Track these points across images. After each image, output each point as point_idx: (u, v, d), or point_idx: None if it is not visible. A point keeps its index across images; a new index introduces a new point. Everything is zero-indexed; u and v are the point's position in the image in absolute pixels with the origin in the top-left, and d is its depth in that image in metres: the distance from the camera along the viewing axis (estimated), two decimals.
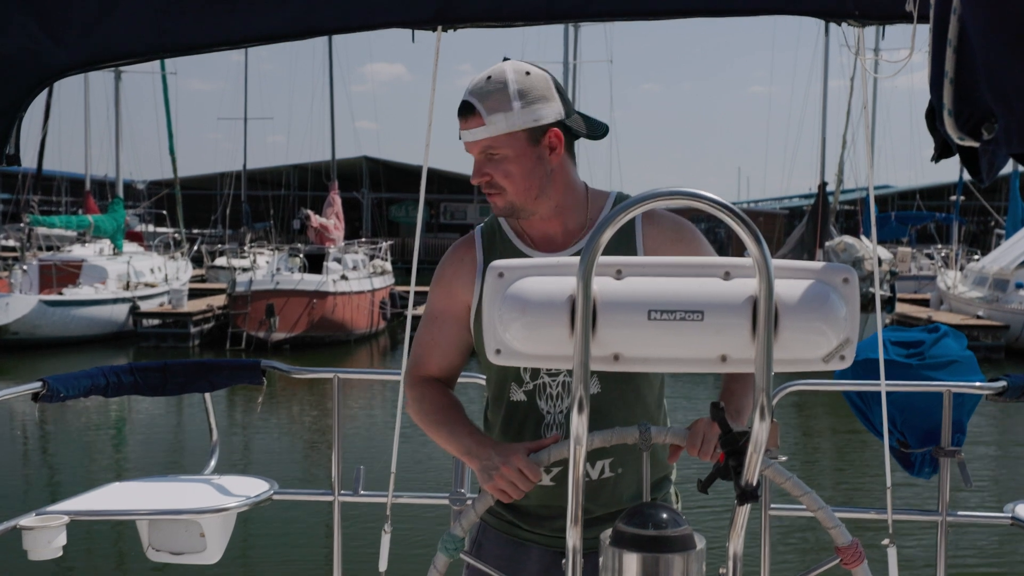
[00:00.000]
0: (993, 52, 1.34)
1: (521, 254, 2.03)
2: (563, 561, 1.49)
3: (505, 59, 1.99)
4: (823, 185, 24.80)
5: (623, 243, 2.00)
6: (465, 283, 2.06)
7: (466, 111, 1.94)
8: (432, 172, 45.30)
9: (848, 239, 20.69)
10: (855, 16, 2.39)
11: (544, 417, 2.01)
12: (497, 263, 1.45)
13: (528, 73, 1.95)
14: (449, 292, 2.08)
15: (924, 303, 26.53)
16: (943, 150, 1.65)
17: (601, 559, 1.50)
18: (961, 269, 27.14)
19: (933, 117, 1.56)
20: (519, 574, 2.06)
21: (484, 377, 2.21)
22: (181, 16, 2.34)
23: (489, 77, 1.94)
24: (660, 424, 2.08)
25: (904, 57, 2.07)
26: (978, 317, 22.25)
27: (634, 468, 2.00)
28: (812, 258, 21.46)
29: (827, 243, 21.27)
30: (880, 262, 19.54)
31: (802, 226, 24.78)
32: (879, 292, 2.70)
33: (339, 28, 2.47)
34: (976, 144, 1.46)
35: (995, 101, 1.36)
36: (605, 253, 1.91)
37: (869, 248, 19.43)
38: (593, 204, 2.07)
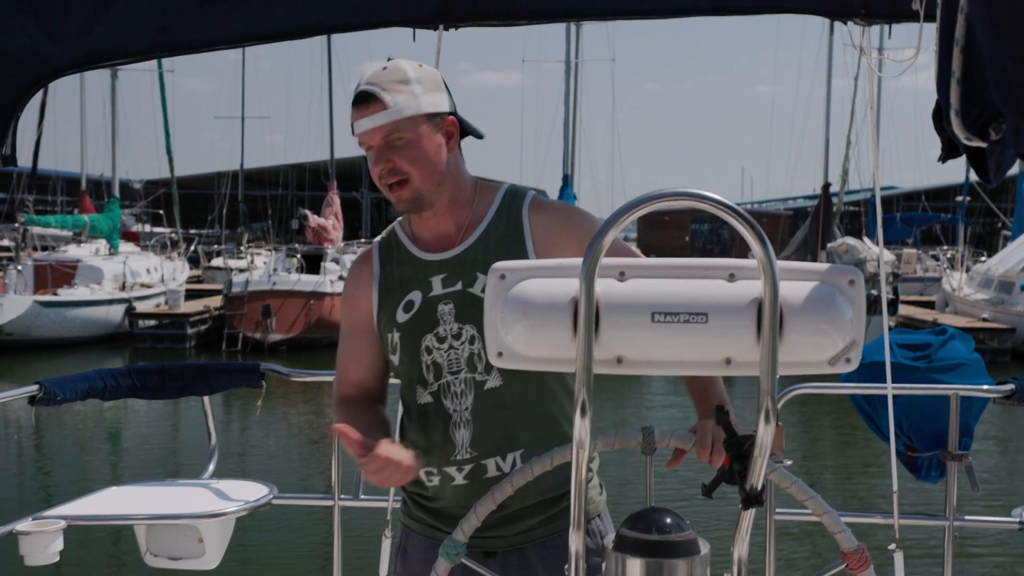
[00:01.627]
0: (1001, 51, 1.33)
1: (414, 258, 2.02)
2: (565, 567, 1.47)
3: (389, 59, 1.97)
4: (826, 186, 24.75)
5: (511, 234, 1.98)
6: (364, 293, 2.06)
7: (366, 99, 1.89)
8: None
9: (850, 240, 20.68)
10: (861, 15, 2.38)
11: (451, 416, 1.98)
12: (498, 264, 1.43)
13: (421, 66, 1.96)
14: (353, 305, 2.09)
15: (929, 305, 26.40)
16: (950, 150, 1.65)
17: (604, 564, 1.48)
18: (967, 271, 26.95)
19: (940, 117, 1.57)
20: None
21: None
22: (179, 15, 2.33)
23: (384, 68, 1.92)
24: (559, 417, 2.04)
25: (910, 56, 2.06)
26: (984, 320, 22.13)
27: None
28: (815, 260, 21.45)
29: (829, 244, 21.27)
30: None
31: (805, 227, 24.71)
32: (885, 294, 2.68)
33: (339, 27, 2.46)
34: (983, 144, 1.47)
35: (1003, 101, 1.36)
36: (486, 245, 1.90)
37: (872, 250, 19.46)
38: (482, 198, 2.04)
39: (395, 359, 2.04)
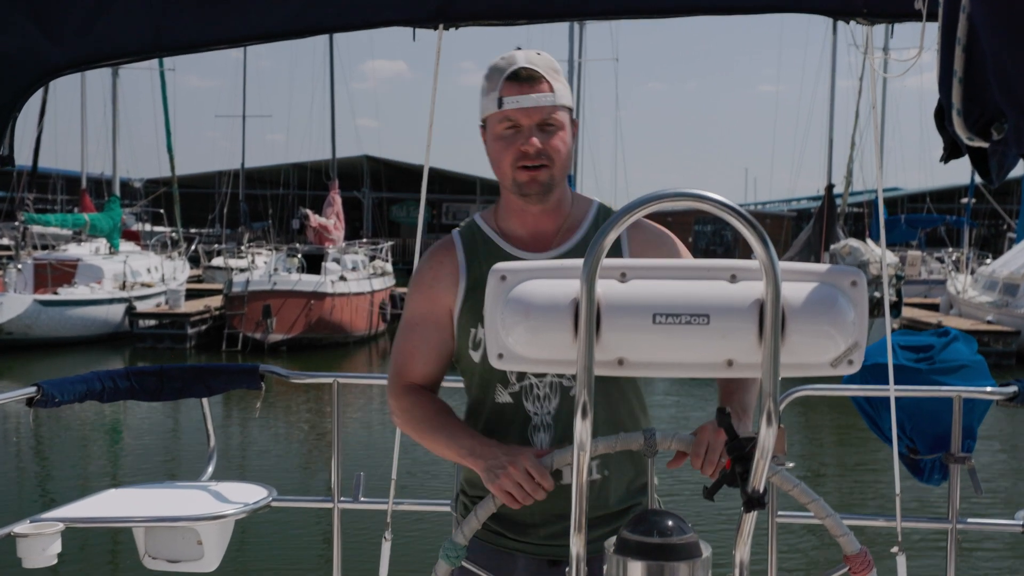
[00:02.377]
0: (1003, 51, 1.34)
1: (506, 254, 2.02)
2: (567, 569, 1.48)
3: (518, 48, 2.00)
4: (829, 187, 24.62)
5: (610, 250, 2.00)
6: (447, 286, 2.04)
7: (531, 77, 1.93)
8: (434, 171, 45.31)
9: (853, 242, 20.62)
10: (863, 14, 2.37)
11: (531, 419, 1.99)
12: (499, 266, 1.44)
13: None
14: (429, 297, 2.06)
15: (933, 308, 26.23)
16: (952, 151, 1.65)
17: (605, 567, 1.48)
18: (972, 273, 26.77)
19: (942, 117, 1.57)
20: None
21: (461, 380, 2.19)
22: (179, 14, 2.32)
23: (539, 54, 1.97)
24: (643, 424, 2.07)
25: (913, 56, 2.05)
26: (988, 322, 21.98)
27: (620, 470, 2.02)
28: (818, 261, 21.39)
29: (832, 246, 21.21)
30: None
31: (808, 229, 24.58)
32: (888, 296, 2.67)
33: (339, 26, 2.45)
34: (985, 144, 1.48)
35: (1005, 101, 1.36)
36: (582, 252, 1.88)
37: (875, 251, 19.43)
38: (577, 205, 2.09)
39: (475, 355, 2.02)
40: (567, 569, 1.47)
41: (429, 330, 2.05)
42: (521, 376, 1.99)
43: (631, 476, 2.06)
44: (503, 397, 2.00)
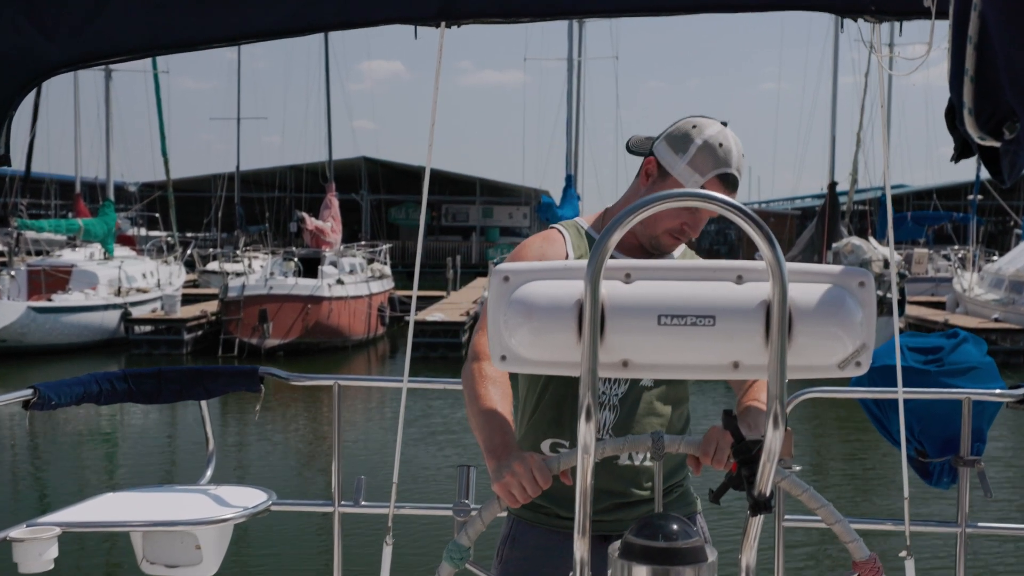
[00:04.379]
0: (1015, 49, 1.34)
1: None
2: (570, 573, 1.45)
3: (725, 123, 2.11)
4: (832, 185, 24.61)
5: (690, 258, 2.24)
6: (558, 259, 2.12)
7: (735, 186, 2.06)
8: (434, 173, 45.02)
9: (856, 240, 20.64)
10: (871, 11, 2.35)
11: (599, 396, 2.05)
12: (502, 266, 1.44)
13: None
14: None
15: (940, 306, 26.20)
16: (963, 150, 1.65)
17: (609, 572, 1.47)
18: (979, 270, 26.73)
19: (953, 115, 1.58)
20: (563, 562, 2.02)
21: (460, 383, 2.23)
22: (176, 12, 2.30)
23: (743, 155, 2.10)
24: (685, 423, 2.16)
25: (922, 54, 2.04)
26: (995, 320, 21.95)
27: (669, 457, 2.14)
28: (820, 260, 21.40)
29: (834, 244, 21.23)
30: (887, 264, 19.50)
31: (811, 227, 24.54)
32: (895, 296, 2.66)
33: (340, 24, 2.43)
34: (997, 144, 1.48)
35: (1017, 99, 1.37)
36: None
37: (877, 250, 19.46)
38: None
39: None
40: (571, 573, 1.44)
41: None
42: None
43: (679, 466, 2.20)
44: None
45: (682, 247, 2.23)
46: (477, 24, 2.49)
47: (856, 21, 2.40)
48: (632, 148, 2.20)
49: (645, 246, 2.15)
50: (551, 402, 2.13)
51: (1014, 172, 1.57)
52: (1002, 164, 1.55)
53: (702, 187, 2.02)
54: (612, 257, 1.98)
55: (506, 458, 1.82)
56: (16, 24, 2.25)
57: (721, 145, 2.04)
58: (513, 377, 2.06)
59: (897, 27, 2.44)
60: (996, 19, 1.37)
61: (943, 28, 1.55)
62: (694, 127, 2.07)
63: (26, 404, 2.69)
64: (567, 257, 2.14)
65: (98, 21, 2.29)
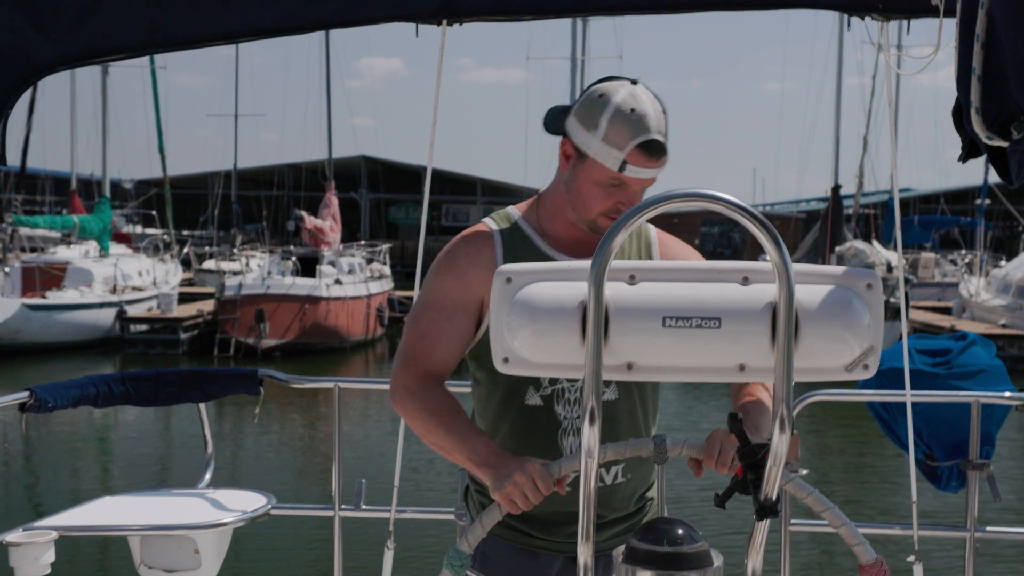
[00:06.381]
0: (1022, 47, 1.31)
1: (544, 255, 1.99)
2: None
3: (634, 82, 1.93)
4: (836, 188, 24.52)
5: (642, 247, 2.06)
6: (482, 275, 1.95)
7: (661, 151, 1.89)
8: (434, 172, 45.07)
9: (859, 244, 20.65)
10: (878, 10, 2.34)
11: (561, 423, 1.97)
12: (505, 267, 1.42)
13: None
14: (464, 283, 1.98)
15: (946, 311, 26.01)
16: (970, 150, 1.66)
17: None
18: (986, 276, 26.50)
19: (960, 115, 1.58)
20: None
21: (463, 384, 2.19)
22: (174, 9, 2.29)
23: (664, 112, 1.91)
24: (652, 431, 2.08)
25: (929, 53, 2.02)
26: (1002, 326, 21.81)
27: (638, 472, 2.05)
28: (824, 263, 21.42)
29: (837, 248, 21.22)
30: (890, 268, 19.54)
31: (816, 230, 24.48)
32: (903, 300, 2.64)
33: (340, 22, 2.42)
34: (1005, 144, 1.49)
35: None
36: (620, 255, 1.89)
37: (880, 253, 19.49)
38: None
39: None
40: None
41: (459, 315, 1.97)
42: (555, 379, 1.96)
43: (649, 479, 2.10)
44: (533, 400, 1.97)
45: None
46: (478, 22, 2.47)
47: (863, 19, 2.39)
48: (549, 127, 2.01)
49: (587, 232, 1.99)
50: (511, 434, 2.00)
51: (1022, 172, 1.56)
52: (1010, 164, 1.55)
53: (624, 162, 1.85)
54: (554, 250, 1.97)
55: (504, 467, 1.77)
56: (13, 22, 2.24)
57: (633, 111, 1.85)
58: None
59: (905, 27, 2.42)
60: (1003, 17, 1.37)
61: (951, 27, 1.54)
62: (600, 96, 1.88)
63: (22, 407, 2.67)
64: (496, 258, 1.99)
65: (95, 19, 2.27)
